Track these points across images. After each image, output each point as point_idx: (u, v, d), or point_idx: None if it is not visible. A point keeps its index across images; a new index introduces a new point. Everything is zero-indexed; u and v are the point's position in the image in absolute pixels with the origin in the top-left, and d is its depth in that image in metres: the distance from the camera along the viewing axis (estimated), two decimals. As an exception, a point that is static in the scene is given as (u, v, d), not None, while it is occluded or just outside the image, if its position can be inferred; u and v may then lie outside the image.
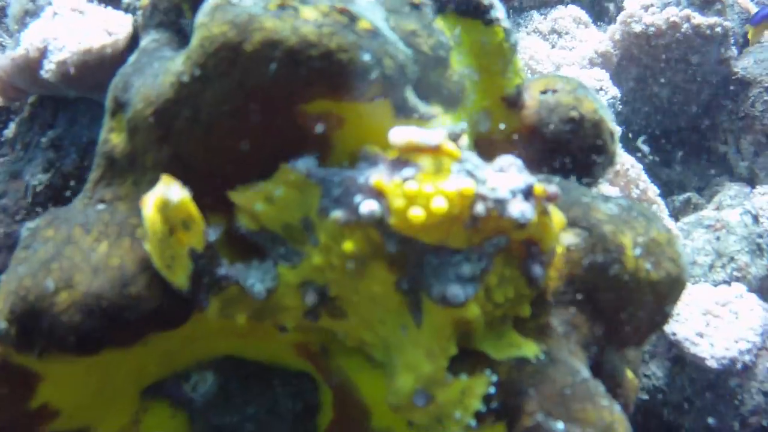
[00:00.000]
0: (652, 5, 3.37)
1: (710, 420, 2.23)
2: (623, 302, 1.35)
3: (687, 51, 3.43)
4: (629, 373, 1.70)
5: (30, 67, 1.83)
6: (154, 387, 1.47)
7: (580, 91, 1.52)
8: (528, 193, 1.17)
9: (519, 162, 1.21)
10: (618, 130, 1.54)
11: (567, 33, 3.57)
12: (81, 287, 1.24)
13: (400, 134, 1.16)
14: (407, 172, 1.14)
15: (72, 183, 1.88)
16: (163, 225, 1.21)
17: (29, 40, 1.82)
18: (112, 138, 1.36)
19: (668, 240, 1.39)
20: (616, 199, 1.43)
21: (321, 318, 1.28)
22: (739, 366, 2.17)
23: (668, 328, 2.27)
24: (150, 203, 1.21)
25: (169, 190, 1.20)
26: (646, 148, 3.08)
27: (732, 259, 2.68)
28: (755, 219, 2.85)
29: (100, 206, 1.34)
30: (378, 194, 1.14)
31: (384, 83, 1.20)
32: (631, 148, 3.23)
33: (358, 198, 1.16)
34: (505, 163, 1.20)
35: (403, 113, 1.28)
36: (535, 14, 3.69)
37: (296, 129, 1.21)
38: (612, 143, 1.53)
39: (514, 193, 1.16)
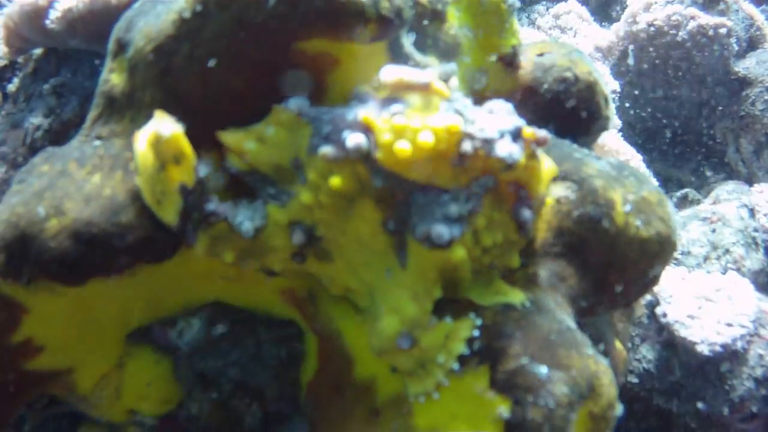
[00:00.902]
0: (655, 3, 3.39)
1: (700, 405, 2.21)
2: (612, 257, 1.35)
3: (689, 49, 3.43)
4: (618, 344, 1.70)
5: (38, 15, 1.84)
6: (140, 332, 1.47)
7: (576, 54, 1.53)
8: (516, 135, 1.17)
9: (509, 105, 1.21)
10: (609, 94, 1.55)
11: (570, 29, 3.59)
12: (71, 214, 1.25)
13: (391, 72, 1.17)
14: (395, 107, 1.15)
15: (71, 131, 1.88)
16: (154, 159, 1.22)
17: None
18: (113, 78, 1.37)
19: (659, 200, 1.40)
20: (608, 159, 1.44)
21: (308, 260, 1.28)
22: (730, 351, 2.16)
23: (659, 310, 2.26)
24: (143, 138, 1.22)
25: (162, 125, 1.21)
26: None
27: (727, 251, 2.66)
28: (752, 213, 2.84)
29: (97, 142, 1.36)
30: (366, 129, 1.15)
31: (380, 24, 1.20)
32: (633, 143, 3.23)
33: (345, 133, 1.16)
34: (495, 106, 1.21)
35: (398, 59, 1.29)
36: (539, 7, 3.72)
37: (291, 68, 1.22)
38: (606, 107, 1.53)
39: (502, 134, 1.16)
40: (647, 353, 2.29)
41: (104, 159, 1.32)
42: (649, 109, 3.65)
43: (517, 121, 1.18)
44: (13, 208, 1.28)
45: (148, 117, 1.28)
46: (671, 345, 2.26)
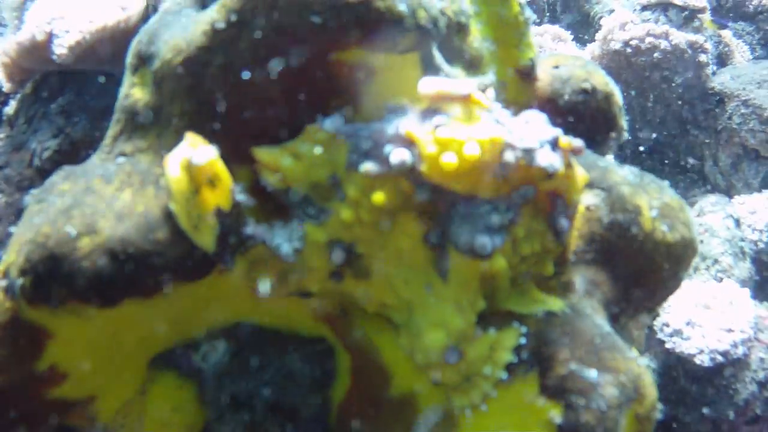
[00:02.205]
0: (630, 21, 3.46)
1: (705, 410, 2.24)
2: (641, 263, 1.37)
3: (666, 67, 3.51)
4: (635, 351, 1.72)
5: (38, 48, 1.81)
6: (162, 357, 1.44)
7: (590, 65, 1.55)
8: (555, 144, 1.19)
9: (543, 116, 1.22)
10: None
11: (542, 48, 3.64)
12: (105, 232, 1.21)
13: (431, 84, 1.17)
14: (438, 119, 1.15)
15: (82, 151, 1.85)
16: (188, 184, 1.19)
17: (35, 22, 1.81)
18: (134, 93, 1.34)
19: (680, 206, 1.42)
20: (628, 167, 1.46)
21: (345, 279, 1.27)
22: (732, 357, 2.20)
23: (659, 321, 2.29)
24: (175, 162, 1.19)
25: (196, 150, 1.18)
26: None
27: (716, 261, 2.72)
28: (737, 223, 2.91)
29: (121, 159, 1.32)
30: (409, 143, 1.15)
31: (417, 35, 1.21)
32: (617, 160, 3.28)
33: (388, 148, 1.16)
34: (531, 116, 1.22)
35: (430, 71, 1.29)
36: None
37: (329, 79, 1.22)
38: (621, 117, 1.56)
39: (542, 144, 1.17)
40: (650, 362, 2.31)
41: (132, 175, 1.29)
42: (628, 126, 3.71)
43: (554, 131, 1.19)
44: (39, 228, 1.22)
45: (177, 132, 1.26)
46: (673, 354, 2.28)
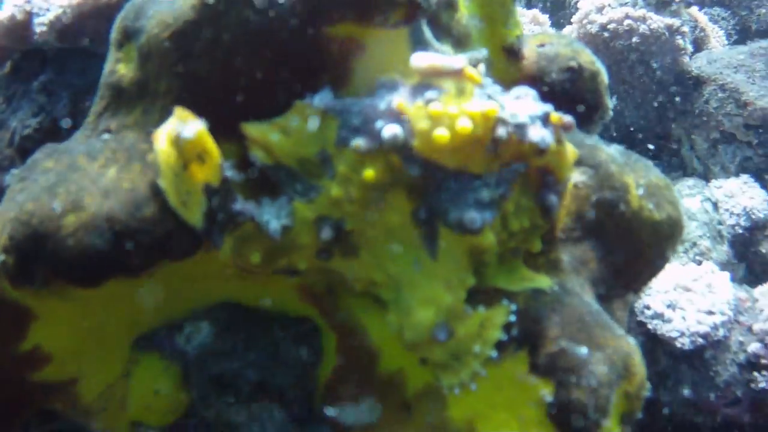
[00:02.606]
0: (608, 5, 3.46)
1: (686, 392, 2.25)
2: (628, 241, 1.37)
3: (644, 51, 3.52)
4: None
5: (18, 27, 1.78)
6: (145, 338, 1.41)
7: (576, 44, 1.54)
8: (546, 120, 1.18)
9: (534, 92, 1.22)
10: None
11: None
12: (91, 209, 1.18)
13: (423, 58, 1.16)
14: (430, 94, 1.14)
15: (64, 129, 1.81)
16: (177, 159, 1.18)
17: (14, 1, 1.78)
18: (120, 68, 1.32)
19: (666, 185, 1.43)
20: (614, 145, 1.46)
21: (333, 257, 1.25)
22: (713, 339, 2.21)
23: (640, 303, 2.30)
24: (163, 137, 1.18)
25: (184, 125, 1.16)
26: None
27: (694, 244, 2.74)
28: (715, 206, 2.92)
29: (106, 136, 1.30)
30: (400, 118, 1.13)
31: (408, 8, 1.19)
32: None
33: (379, 124, 1.15)
34: (522, 92, 1.21)
35: (420, 46, 1.28)
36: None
37: (318, 53, 1.20)
38: (607, 96, 1.55)
39: (533, 119, 1.17)
40: (632, 343, 2.32)
41: (117, 152, 1.26)
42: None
43: (546, 107, 1.19)
44: (22, 205, 1.19)
45: (163, 108, 1.24)
46: (654, 336, 2.29)
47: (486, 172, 1.17)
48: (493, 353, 1.21)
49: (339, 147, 1.18)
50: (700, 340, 2.21)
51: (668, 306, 2.26)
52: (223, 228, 1.21)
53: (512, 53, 1.49)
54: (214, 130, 1.21)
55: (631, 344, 1.25)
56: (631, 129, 3.72)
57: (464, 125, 1.11)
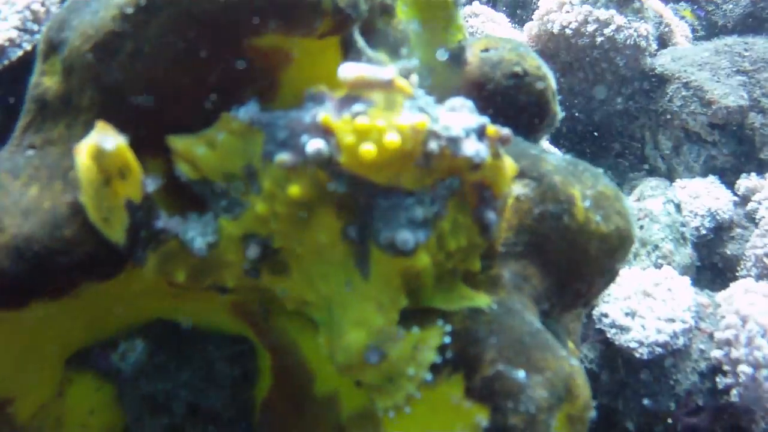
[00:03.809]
0: (568, 2, 3.41)
1: (646, 401, 2.22)
2: (574, 254, 1.32)
3: (606, 48, 3.48)
4: (571, 344, 1.68)
5: None
6: (80, 357, 1.37)
7: (522, 48, 1.50)
8: (481, 133, 1.13)
9: (470, 103, 1.16)
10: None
11: (479, 32, 3.58)
12: (10, 230, 1.14)
13: (350, 69, 1.10)
14: (357, 107, 1.08)
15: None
16: (98, 174, 1.13)
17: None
18: (45, 81, 1.26)
19: (615, 195, 1.38)
20: (561, 154, 1.41)
21: (262, 275, 1.20)
22: (672, 348, 2.17)
23: (597, 311, 2.26)
24: (84, 151, 1.13)
25: (105, 138, 1.11)
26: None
27: (656, 247, 2.70)
28: (678, 208, 2.89)
29: (30, 152, 1.25)
30: (326, 132, 1.08)
31: (336, 18, 1.14)
32: (553, 141, 3.26)
33: (304, 138, 1.09)
34: (457, 103, 1.16)
35: (351, 55, 1.23)
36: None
37: (243, 65, 1.15)
38: (554, 102, 1.51)
39: (467, 132, 1.11)
40: (589, 352, 2.28)
41: (40, 169, 1.21)
42: (565, 108, 3.68)
43: (481, 119, 1.14)
44: (-60, 227, 1.15)
45: (86, 122, 1.19)
46: (612, 344, 2.25)
47: (418, 189, 1.11)
48: (428, 376, 1.16)
49: (264, 162, 1.13)
50: (659, 350, 2.17)
51: (627, 314, 2.21)
52: (146, 245, 1.16)
53: (454, 59, 1.44)
54: (140, 145, 1.16)
55: (573, 365, 1.20)
56: (595, 127, 3.69)
57: (392, 139, 1.06)
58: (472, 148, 1.10)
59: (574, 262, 1.33)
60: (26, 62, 1.74)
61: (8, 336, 1.24)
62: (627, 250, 1.38)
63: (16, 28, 1.73)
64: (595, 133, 3.71)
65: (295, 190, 1.10)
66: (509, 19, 3.90)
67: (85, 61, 1.18)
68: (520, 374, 1.14)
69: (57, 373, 1.35)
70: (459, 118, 1.12)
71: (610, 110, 3.68)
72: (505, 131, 1.15)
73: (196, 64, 1.14)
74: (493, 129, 1.14)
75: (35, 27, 1.76)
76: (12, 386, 1.31)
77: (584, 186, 1.35)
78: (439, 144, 1.09)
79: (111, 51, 1.15)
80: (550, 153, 1.39)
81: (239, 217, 1.16)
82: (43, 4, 1.76)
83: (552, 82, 1.50)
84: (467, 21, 3.68)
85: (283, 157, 1.10)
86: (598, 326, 2.26)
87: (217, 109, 1.17)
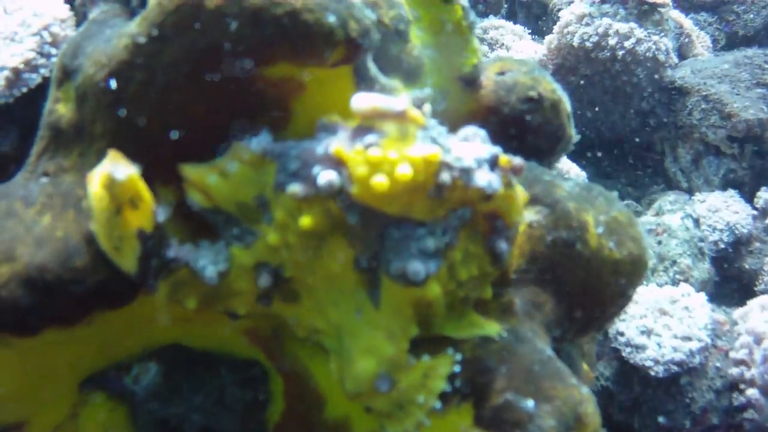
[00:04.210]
0: (588, 15, 3.39)
1: (661, 419, 2.21)
2: (586, 281, 1.32)
3: (626, 61, 3.45)
4: (585, 366, 1.67)
5: None
6: (94, 379, 1.37)
7: (537, 72, 1.49)
8: (493, 164, 1.13)
9: (483, 132, 1.16)
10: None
11: (501, 45, 3.58)
12: (23, 259, 1.15)
13: (364, 100, 1.10)
14: (370, 138, 1.09)
15: (11, 166, 1.76)
16: (110, 203, 1.13)
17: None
18: (59, 108, 1.28)
19: (629, 220, 1.37)
20: (575, 179, 1.40)
21: (273, 303, 1.21)
22: (688, 367, 2.16)
23: (613, 329, 2.25)
24: (96, 180, 1.13)
25: (117, 167, 1.12)
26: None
27: (674, 262, 2.68)
28: (696, 222, 2.87)
29: (44, 179, 1.26)
30: (338, 163, 1.08)
31: (348, 48, 1.14)
32: (571, 155, 3.24)
33: (316, 169, 1.10)
34: (470, 132, 1.16)
35: (364, 84, 1.24)
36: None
37: (255, 95, 1.15)
38: (569, 126, 1.50)
39: (480, 163, 1.11)
40: (604, 370, 2.27)
41: (54, 197, 1.22)
42: (584, 121, 3.67)
43: (494, 149, 1.13)
44: (-46, 254, 1.17)
45: (99, 151, 1.20)
46: (628, 362, 2.24)
47: (430, 220, 1.12)
48: (438, 404, 1.16)
49: (276, 192, 1.13)
50: (675, 368, 2.16)
51: (643, 332, 2.20)
52: (158, 274, 1.17)
53: (469, 83, 1.44)
54: (152, 174, 1.17)
55: (583, 393, 1.19)
56: (614, 141, 3.66)
57: (404, 172, 1.06)
58: (484, 179, 1.10)
59: (587, 288, 1.32)
60: (42, 86, 1.76)
61: (21, 361, 1.24)
62: (641, 276, 1.38)
63: (32, 50, 1.75)
64: (615, 147, 3.69)
65: (306, 221, 1.11)
66: (529, 31, 3.88)
67: (98, 90, 1.19)
68: (529, 403, 1.14)
69: (71, 395, 1.36)
70: (471, 149, 1.12)
71: (630, 123, 3.66)
72: (518, 161, 1.15)
73: (208, 93, 1.15)
74: (505, 159, 1.14)
75: (53, 50, 1.77)
76: (25, 409, 1.31)
77: (598, 212, 1.34)
78: (451, 175, 1.09)
79: (124, 80, 1.16)
80: (564, 178, 1.38)
81: (251, 246, 1.16)
82: (61, 27, 1.78)
83: (567, 105, 1.49)
84: (488, 33, 3.67)
85: (295, 188, 1.10)
86: (613, 345, 2.25)
87: (231, 138, 1.18)
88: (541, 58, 3.53)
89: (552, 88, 1.46)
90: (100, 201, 1.13)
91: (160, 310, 1.23)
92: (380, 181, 1.06)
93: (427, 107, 1.16)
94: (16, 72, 1.74)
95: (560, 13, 3.54)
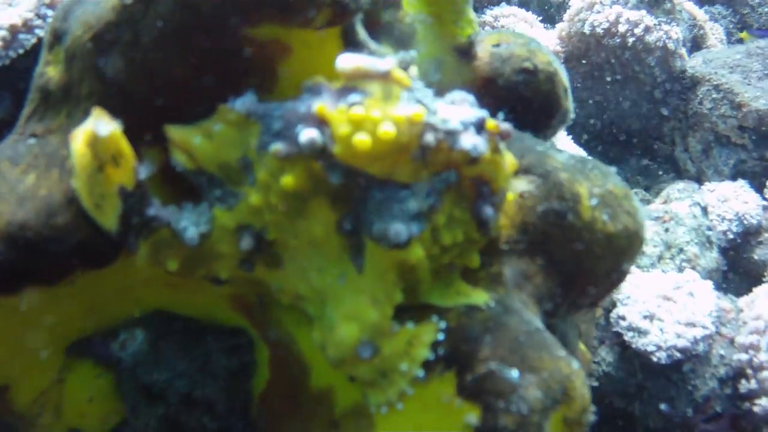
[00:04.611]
0: (599, 3, 3.36)
1: (663, 406, 2.17)
2: (578, 254, 1.29)
3: (637, 49, 3.42)
4: (582, 346, 1.65)
5: None
6: (80, 345, 1.37)
7: (534, 44, 1.47)
8: (480, 127, 1.11)
9: (471, 98, 1.14)
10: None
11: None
12: (5, 217, 1.15)
13: (348, 60, 1.09)
14: (353, 98, 1.07)
15: (4, 131, 1.77)
16: (92, 160, 1.12)
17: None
18: (48, 71, 1.28)
19: (625, 194, 1.34)
20: (570, 152, 1.38)
21: (256, 267, 1.19)
22: (691, 353, 2.12)
23: (615, 313, 2.21)
24: (79, 137, 1.13)
25: (99, 123, 1.11)
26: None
27: (681, 250, 2.64)
28: (704, 211, 2.83)
29: (31, 140, 1.26)
30: (321, 122, 1.07)
31: (334, 9, 1.13)
32: (581, 142, 3.21)
33: (299, 128, 1.08)
34: (457, 97, 1.14)
35: (353, 48, 1.22)
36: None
37: (240, 56, 1.14)
38: (566, 99, 1.48)
39: (465, 126, 1.09)
40: (606, 356, 2.24)
41: (39, 158, 1.22)
42: (594, 109, 3.63)
43: (480, 113, 1.11)
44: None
45: (86, 112, 1.19)
46: (630, 347, 2.21)
47: (414, 182, 1.10)
48: (421, 372, 1.14)
49: (260, 153, 1.12)
50: (678, 355, 2.12)
51: (645, 317, 2.17)
52: (138, 233, 1.16)
53: (463, 53, 1.42)
54: (137, 136, 1.16)
55: (571, 366, 1.17)
56: (624, 128, 3.62)
57: (387, 130, 1.04)
58: (469, 141, 1.08)
59: (579, 261, 1.30)
60: (37, 52, 1.76)
61: (4, 320, 1.24)
62: (636, 250, 1.35)
63: (30, 11, 1.75)
64: (625, 135, 3.65)
65: (288, 180, 1.09)
66: (540, 19, 3.86)
67: (85, 51, 1.18)
68: (513, 373, 1.11)
69: (56, 360, 1.36)
70: (458, 111, 1.10)
71: (641, 112, 3.62)
72: (505, 126, 1.13)
73: (193, 54, 1.14)
74: (492, 123, 1.12)
75: (49, 12, 1.78)
76: (9, 372, 1.31)
77: (592, 184, 1.31)
78: (435, 137, 1.07)
79: (110, 41, 1.16)
80: (558, 150, 1.36)
81: (233, 208, 1.15)
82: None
83: (563, 77, 1.47)
84: (498, 21, 3.65)
85: (278, 146, 1.09)
86: (615, 329, 2.22)
87: (215, 101, 1.16)
88: (553, 45, 3.50)
89: (548, 60, 1.44)
90: (82, 157, 1.12)
91: (142, 271, 1.22)
92: (362, 139, 1.04)
93: (414, 69, 1.14)
94: (13, 31, 1.74)
95: (570, 2, 3.52)
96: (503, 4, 3.77)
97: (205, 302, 1.34)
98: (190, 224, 1.16)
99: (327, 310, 1.16)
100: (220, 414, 1.35)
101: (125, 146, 1.13)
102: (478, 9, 3.73)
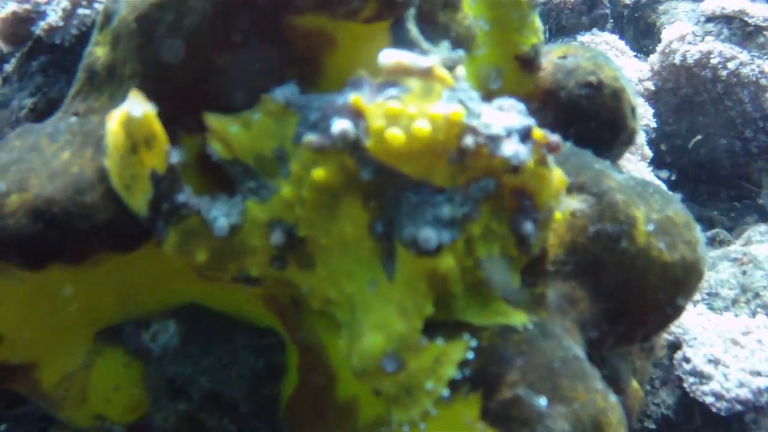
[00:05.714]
0: (690, 34, 3.26)
1: (722, 456, 2.04)
2: (630, 282, 1.21)
3: (728, 86, 3.30)
4: (634, 383, 1.55)
5: (22, 22, 1.86)
6: (111, 332, 1.35)
7: (601, 58, 1.40)
8: (526, 135, 1.04)
9: (521, 105, 1.08)
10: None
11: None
12: (33, 190, 1.14)
13: (390, 55, 1.05)
14: (391, 92, 1.03)
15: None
16: (125, 141, 1.11)
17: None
18: (96, 51, 1.28)
19: (686, 222, 1.25)
20: (631, 174, 1.30)
21: (288, 267, 1.14)
22: (752, 405, 1.99)
23: (680, 354, 2.09)
24: (115, 117, 1.12)
25: (134, 104, 1.09)
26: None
27: (757, 294, 2.50)
28: (786, 256, 2.68)
29: (72, 119, 1.26)
30: (356, 115, 1.02)
31: (381, 2, 1.08)
32: (664, 179, 3.10)
33: (333, 120, 1.03)
34: (506, 103, 1.08)
35: (403, 44, 1.17)
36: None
37: (283, 45, 1.10)
38: (632, 119, 1.40)
39: (509, 132, 1.03)
40: (667, 398, 2.12)
41: (77, 135, 1.21)
42: (682, 144, 3.51)
43: (527, 121, 1.05)
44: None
45: (128, 92, 1.17)
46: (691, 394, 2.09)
47: (450, 186, 1.03)
48: (446, 392, 1.07)
49: (295, 144, 1.08)
50: (739, 407, 1.99)
51: (710, 361, 2.04)
52: (168, 219, 1.12)
53: (526, 63, 1.35)
54: (177, 122, 1.14)
55: (608, 400, 1.08)
56: (710, 167, 3.48)
57: (422, 127, 0.99)
58: (511, 148, 1.02)
59: (630, 289, 1.21)
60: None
61: (31, 297, 1.23)
62: (693, 285, 1.26)
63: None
64: (712, 173, 3.51)
65: (319, 173, 1.05)
66: (635, 50, 3.76)
67: (130, 31, 1.17)
68: (541, 401, 1.04)
69: (85, 343, 1.34)
70: (503, 117, 1.04)
71: (729, 149, 3.47)
72: (554, 137, 1.06)
73: (235, 40, 1.11)
74: (540, 133, 1.06)
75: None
76: (37, 350, 1.30)
77: (650, 208, 1.23)
78: (475, 140, 1.01)
79: (153, 22, 1.13)
80: (617, 170, 1.28)
81: (266, 201, 1.11)
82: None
83: (631, 96, 1.39)
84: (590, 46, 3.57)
85: (310, 137, 1.05)
86: (677, 372, 2.10)
87: (258, 89, 1.12)
88: (644, 77, 3.41)
89: (614, 75, 1.37)
90: (115, 137, 1.11)
91: (174, 261, 1.19)
92: (395, 134, 1.00)
93: (461, 70, 1.09)
94: (74, 3, 1.77)
95: (663, 33, 3.42)
96: (594, 29, 3.68)
97: (238, 298, 1.30)
98: (220, 214, 1.12)
99: (356, 318, 1.10)
100: (242, 416, 1.30)
101: (158, 129, 1.10)
102: (570, 34, 3.65)
